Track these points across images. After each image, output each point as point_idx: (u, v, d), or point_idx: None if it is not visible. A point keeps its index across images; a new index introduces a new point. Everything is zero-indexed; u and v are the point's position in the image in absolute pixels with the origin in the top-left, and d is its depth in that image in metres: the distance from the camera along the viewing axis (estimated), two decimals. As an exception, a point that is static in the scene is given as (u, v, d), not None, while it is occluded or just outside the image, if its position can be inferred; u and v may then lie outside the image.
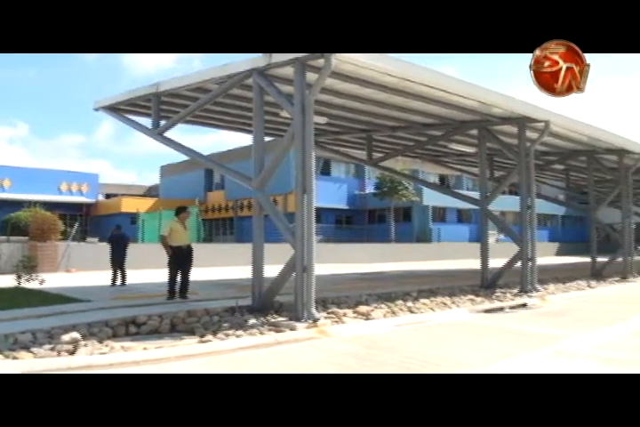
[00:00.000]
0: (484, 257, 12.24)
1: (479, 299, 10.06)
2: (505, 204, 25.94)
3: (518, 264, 11.60)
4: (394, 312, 8.29)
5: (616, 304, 10.23)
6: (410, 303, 9.14)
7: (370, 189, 36.61)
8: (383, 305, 8.75)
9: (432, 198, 33.84)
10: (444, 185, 37.92)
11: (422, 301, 9.50)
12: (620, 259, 16.38)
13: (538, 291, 11.23)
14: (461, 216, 39.13)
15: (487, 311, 8.93)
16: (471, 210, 35.14)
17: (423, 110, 11.19)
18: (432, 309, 8.84)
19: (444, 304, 9.33)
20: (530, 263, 11.38)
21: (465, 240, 36.13)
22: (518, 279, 11.49)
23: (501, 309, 9.26)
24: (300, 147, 7.42)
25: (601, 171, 17.67)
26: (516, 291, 11.16)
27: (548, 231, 45.19)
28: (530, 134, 11.82)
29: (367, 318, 7.72)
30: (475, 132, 12.64)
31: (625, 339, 6.52)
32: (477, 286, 11.86)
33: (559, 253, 41.24)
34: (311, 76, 7.58)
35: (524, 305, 9.74)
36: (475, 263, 12.59)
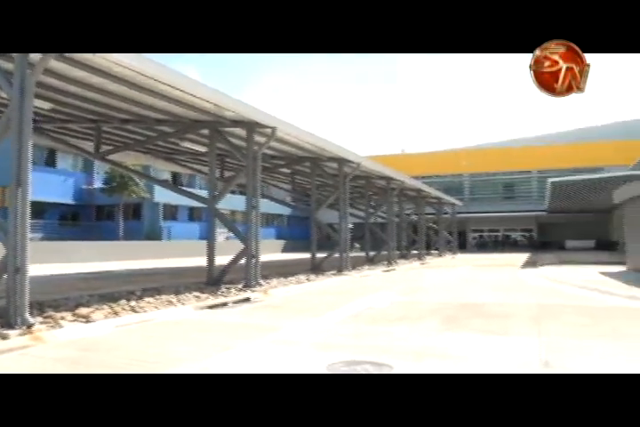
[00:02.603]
0: (211, 255, 12.57)
1: (204, 295, 10.28)
2: (235, 203, 26.84)
3: (244, 261, 12.13)
4: (116, 313, 8.01)
5: (330, 295, 11.25)
6: (133, 303, 8.94)
7: (99, 184, 34.72)
8: (105, 306, 8.42)
9: (164, 195, 33.45)
10: (176, 183, 37.67)
11: (147, 299, 9.38)
12: (337, 255, 18.22)
13: (261, 286, 11.90)
14: (193, 214, 39.47)
15: (211, 307, 9.15)
16: (203, 208, 35.64)
17: (155, 105, 11.01)
18: (157, 307, 8.75)
19: (170, 302, 9.32)
20: (254, 260, 11.96)
21: (196, 238, 36.51)
22: (244, 275, 11.99)
23: (225, 304, 9.56)
24: (16, 134, 6.69)
25: (323, 176, 19.45)
26: (240, 286, 11.64)
27: (275, 230, 48.18)
28: (259, 139, 12.41)
29: (87, 321, 7.32)
30: (207, 131, 12.85)
31: (336, 326, 7.21)
32: (203, 283, 12.10)
33: (285, 249, 44.24)
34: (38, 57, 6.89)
35: (248, 300, 10.21)
36: (204, 261, 12.83)
